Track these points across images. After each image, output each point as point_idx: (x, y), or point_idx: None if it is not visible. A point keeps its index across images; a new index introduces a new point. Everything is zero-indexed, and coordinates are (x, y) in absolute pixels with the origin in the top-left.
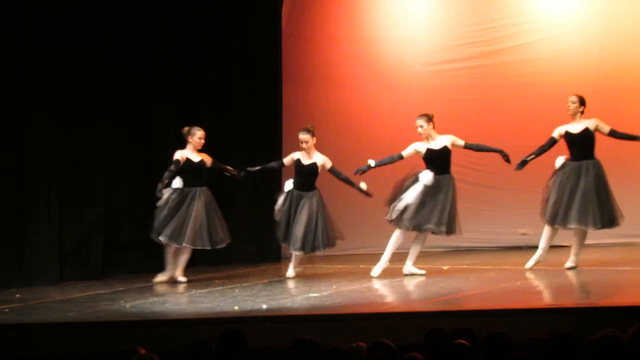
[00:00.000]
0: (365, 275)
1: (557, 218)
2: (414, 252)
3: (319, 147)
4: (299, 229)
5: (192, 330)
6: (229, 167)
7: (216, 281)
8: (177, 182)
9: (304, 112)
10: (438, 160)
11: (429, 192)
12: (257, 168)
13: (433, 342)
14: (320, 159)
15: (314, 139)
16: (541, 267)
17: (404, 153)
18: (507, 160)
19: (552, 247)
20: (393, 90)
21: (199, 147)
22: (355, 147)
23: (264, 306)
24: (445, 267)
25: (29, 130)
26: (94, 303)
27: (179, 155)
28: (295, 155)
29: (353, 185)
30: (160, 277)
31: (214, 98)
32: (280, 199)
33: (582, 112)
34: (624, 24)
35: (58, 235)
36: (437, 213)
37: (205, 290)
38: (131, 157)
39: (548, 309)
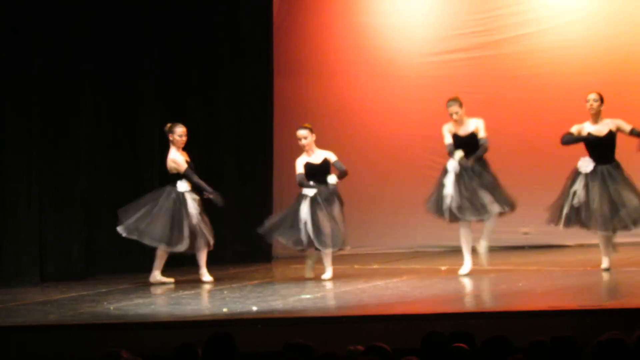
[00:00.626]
0: (362, 276)
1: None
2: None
3: (316, 142)
4: (334, 227)
5: (179, 333)
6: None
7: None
8: (185, 186)
9: (296, 104)
10: (465, 147)
11: (461, 179)
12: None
13: (430, 346)
14: (325, 155)
15: (314, 135)
16: (542, 268)
17: (446, 141)
18: None
19: (554, 247)
20: (389, 82)
21: (181, 146)
22: (350, 140)
23: (254, 308)
24: (443, 268)
25: (8, 130)
26: (76, 305)
27: (173, 157)
28: (301, 160)
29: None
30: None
31: (202, 92)
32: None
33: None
34: (631, 12)
35: (38, 236)
36: (487, 195)
37: (193, 292)
38: (114, 156)
39: (550, 312)
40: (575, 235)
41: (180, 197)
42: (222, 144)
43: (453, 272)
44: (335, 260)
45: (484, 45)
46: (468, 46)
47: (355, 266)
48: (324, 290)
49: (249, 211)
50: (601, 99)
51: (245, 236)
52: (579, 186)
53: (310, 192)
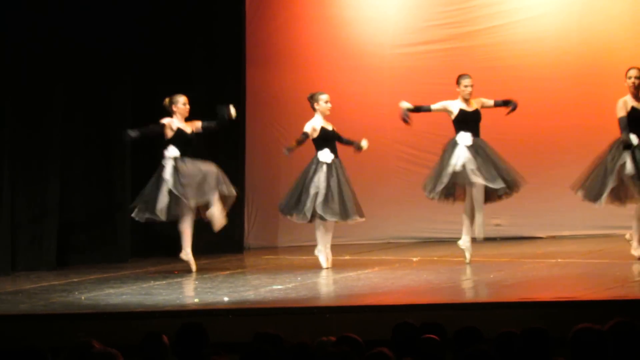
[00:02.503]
0: (333, 267)
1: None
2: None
3: (287, 134)
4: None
5: (150, 323)
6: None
7: (175, 272)
8: (174, 151)
9: (268, 94)
10: (471, 122)
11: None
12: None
13: (401, 337)
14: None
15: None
16: (514, 260)
17: (433, 107)
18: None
19: (525, 239)
20: (361, 73)
21: (186, 115)
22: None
23: (226, 299)
24: (415, 259)
25: None
26: (47, 295)
27: (167, 121)
28: (317, 124)
29: (352, 144)
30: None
31: (174, 80)
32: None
33: None
34: (603, 4)
35: (10, 225)
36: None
37: (164, 282)
38: (86, 143)
39: (521, 303)
40: (547, 227)
41: (163, 163)
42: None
43: (424, 264)
44: (307, 250)
45: (457, 37)
46: (440, 38)
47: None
48: (295, 281)
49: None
50: None
51: None
52: (627, 158)
53: (327, 158)
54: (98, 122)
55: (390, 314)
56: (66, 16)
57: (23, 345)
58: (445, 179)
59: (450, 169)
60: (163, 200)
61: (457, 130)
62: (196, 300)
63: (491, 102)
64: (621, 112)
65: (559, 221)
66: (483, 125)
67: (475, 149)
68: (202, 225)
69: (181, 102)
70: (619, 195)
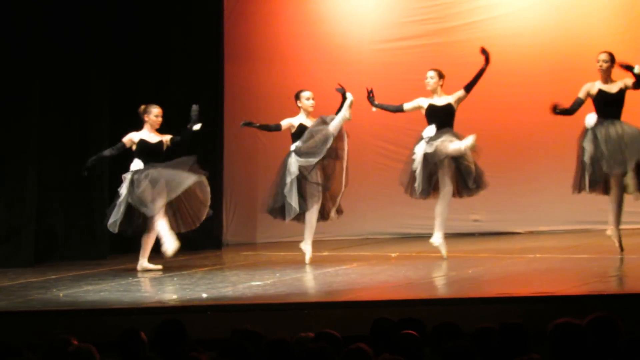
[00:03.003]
0: (311, 263)
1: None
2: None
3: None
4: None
5: (129, 320)
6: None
7: (140, 269)
8: (137, 164)
9: (247, 91)
10: (441, 115)
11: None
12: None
13: (380, 333)
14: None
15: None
16: (492, 256)
17: (406, 105)
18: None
19: (503, 235)
20: (340, 69)
21: (157, 126)
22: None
23: (204, 295)
24: (393, 255)
25: None
26: (26, 292)
27: (128, 138)
28: (295, 120)
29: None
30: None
31: (153, 78)
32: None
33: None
34: (581, 0)
35: None
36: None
37: (143, 279)
38: (64, 138)
39: (499, 298)
40: (525, 223)
41: (123, 177)
42: (173, 131)
43: (403, 259)
44: (286, 247)
45: (434, 33)
46: (418, 34)
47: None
48: (273, 277)
49: None
50: (612, 59)
51: None
52: (586, 143)
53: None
54: (76, 120)
55: (368, 309)
56: (42, 13)
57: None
58: (417, 180)
59: (417, 163)
60: (116, 214)
61: (428, 124)
62: (174, 296)
63: (462, 92)
64: (580, 93)
65: (537, 216)
66: (460, 120)
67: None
68: None
69: (154, 114)
70: (599, 183)
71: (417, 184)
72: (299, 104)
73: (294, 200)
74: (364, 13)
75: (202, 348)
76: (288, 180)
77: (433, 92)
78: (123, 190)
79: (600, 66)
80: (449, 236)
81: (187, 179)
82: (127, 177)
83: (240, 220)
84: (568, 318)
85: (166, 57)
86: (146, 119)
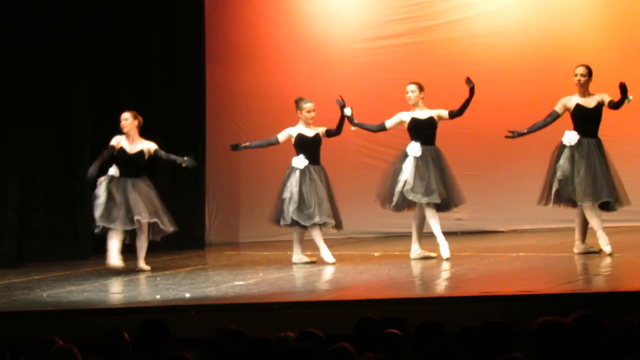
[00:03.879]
0: (293, 262)
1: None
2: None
3: (247, 130)
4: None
5: (112, 320)
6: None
7: (136, 269)
8: (113, 170)
9: (229, 91)
10: (425, 129)
11: (421, 165)
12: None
13: (363, 332)
14: (320, 129)
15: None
16: (475, 254)
17: (388, 123)
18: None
19: (486, 233)
20: (321, 68)
21: (125, 130)
22: (282, 127)
23: (187, 295)
24: (376, 254)
25: None
26: (9, 292)
27: (116, 141)
28: (294, 131)
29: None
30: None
31: (133, 75)
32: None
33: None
34: None
35: None
36: (438, 185)
37: (126, 279)
38: (46, 139)
39: (482, 297)
40: (508, 221)
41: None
42: (154, 131)
43: (386, 258)
44: (269, 246)
45: (416, 32)
46: (400, 32)
47: (288, 252)
48: (256, 277)
49: (182, 198)
50: (589, 73)
51: (178, 223)
52: (563, 160)
53: (300, 164)
54: (58, 120)
55: (351, 309)
56: (22, 13)
57: None
58: (395, 197)
59: (399, 186)
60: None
61: (411, 139)
62: (158, 296)
63: (445, 114)
64: (557, 107)
65: (519, 215)
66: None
67: (425, 160)
68: None
69: (123, 118)
70: (563, 197)
71: (395, 201)
72: (299, 114)
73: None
74: (345, 12)
75: (185, 348)
76: (286, 196)
77: (415, 105)
78: (100, 192)
79: (578, 80)
80: (431, 235)
81: (142, 216)
82: (102, 181)
83: (222, 220)
84: (552, 316)
85: (147, 57)
86: (121, 125)
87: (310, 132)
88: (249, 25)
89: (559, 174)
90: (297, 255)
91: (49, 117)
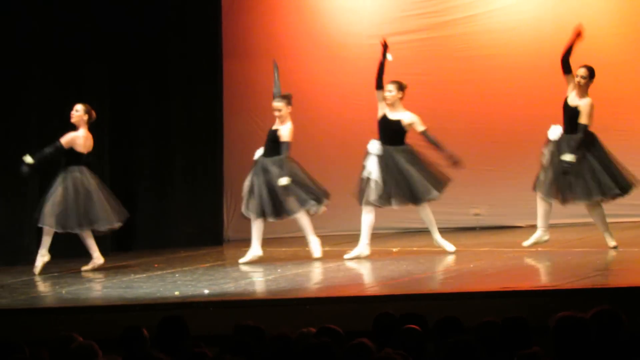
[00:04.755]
0: (312, 258)
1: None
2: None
3: (265, 126)
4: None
5: (131, 316)
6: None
7: (155, 265)
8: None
9: (246, 87)
10: (387, 130)
11: (383, 165)
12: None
13: (382, 327)
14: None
15: (289, 107)
16: (494, 249)
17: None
18: (456, 163)
19: (505, 228)
20: (338, 64)
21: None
22: (298, 123)
23: (206, 291)
24: (394, 250)
25: None
26: (28, 289)
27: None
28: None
29: None
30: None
31: (151, 75)
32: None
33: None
34: None
35: None
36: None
37: (144, 275)
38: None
39: (501, 292)
40: (526, 216)
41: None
42: (172, 127)
43: (404, 254)
44: (287, 242)
45: (433, 27)
46: (416, 28)
47: (307, 248)
48: (275, 272)
49: (200, 194)
50: (590, 76)
51: (196, 219)
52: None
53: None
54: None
55: (370, 304)
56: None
57: (2, 339)
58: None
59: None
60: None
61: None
62: (176, 293)
63: (420, 129)
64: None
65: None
66: (461, 113)
67: (385, 161)
68: (181, 217)
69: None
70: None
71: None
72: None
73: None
74: (362, 8)
75: (204, 344)
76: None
77: (391, 105)
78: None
79: (579, 82)
80: (450, 230)
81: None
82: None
83: (241, 217)
84: (571, 311)
85: (164, 54)
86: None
87: (275, 127)
88: (266, 21)
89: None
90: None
91: (67, 115)
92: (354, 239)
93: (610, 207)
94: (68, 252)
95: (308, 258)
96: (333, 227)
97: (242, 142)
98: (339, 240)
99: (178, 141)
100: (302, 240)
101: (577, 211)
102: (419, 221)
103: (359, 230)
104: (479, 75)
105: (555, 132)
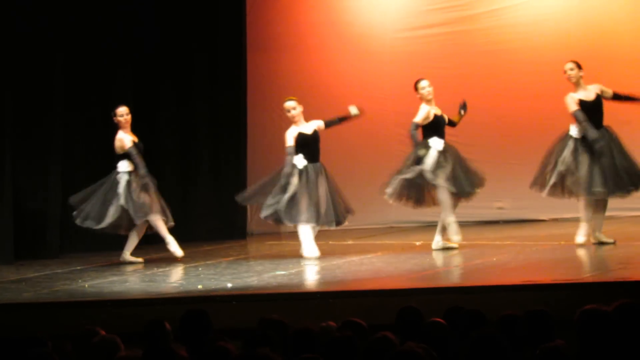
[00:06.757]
0: (336, 252)
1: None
2: None
3: (288, 119)
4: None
5: (154, 310)
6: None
7: (178, 259)
8: (126, 165)
9: (270, 82)
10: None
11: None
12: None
13: (405, 321)
14: (315, 124)
15: (301, 106)
16: (517, 243)
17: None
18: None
19: (528, 222)
20: (362, 57)
21: (126, 125)
22: (323, 116)
23: (229, 285)
24: (417, 243)
25: None
26: (51, 283)
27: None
28: (292, 131)
29: (347, 118)
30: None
31: (176, 70)
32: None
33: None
34: None
35: (12, 213)
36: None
37: (167, 269)
38: (87, 133)
39: (524, 286)
40: (550, 210)
41: (116, 176)
42: (196, 121)
43: (428, 248)
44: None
45: (457, 21)
46: (441, 21)
47: (330, 242)
48: (298, 266)
49: (224, 188)
50: (578, 66)
51: (219, 213)
52: (567, 152)
53: (300, 163)
54: (99, 115)
55: (393, 298)
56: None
57: (26, 333)
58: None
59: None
60: (113, 214)
61: (429, 135)
62: (199, 286)
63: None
64: (572, 107)
65: (561, 203)
66: (483, 107)
67: (445, 155)
68: (205, 211)
69: (119, 114)
70: (559, 188)
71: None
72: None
73: None
74: (386, 1)
75: (227, 337)
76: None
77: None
78: (120, 190)
79: (569, 77)
80: (473, 224)
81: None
82: (125, 177)
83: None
84: (595, 305)
85: (189, 49)
86: (115, 120)
87: (309, 129)
88: (290, 14)
89: (561, 167)
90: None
91: (91, 113)
92: (377, 232)
93: (614, 202)
94: (92, 246)
95: (332, 252)
96: (357, 220)
97: (266, 137)
98: (362, 234)
99: (202, 135)
100: (326, 234)
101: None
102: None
103: (382, 223)
104: (504, 69)
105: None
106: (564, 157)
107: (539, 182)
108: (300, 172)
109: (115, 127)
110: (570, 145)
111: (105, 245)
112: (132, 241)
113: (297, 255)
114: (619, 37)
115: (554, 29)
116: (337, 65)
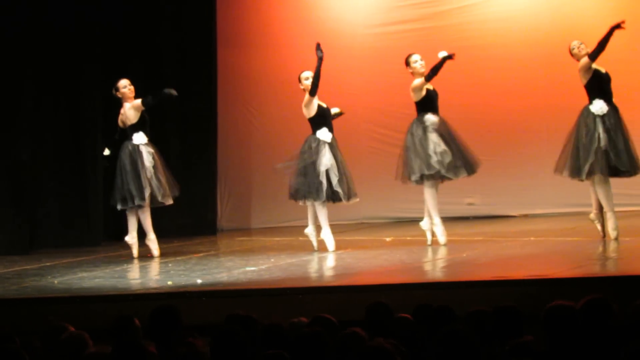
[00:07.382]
0: (306, 248)
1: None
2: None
3: (259, 115)
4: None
5: (124, 306)
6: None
7: (149, 255)
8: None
9: (240, 76)
10: (436, 101)
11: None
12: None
13: (375, 317)
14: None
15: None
16: (487, 239)
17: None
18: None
19: (498, 218)
20: (333, 53)
21: (131, 96)
22: (293, 112)
23: (199, 281)
24: (388, 239)
25: None
26: (20, 279)
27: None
28: (315, 102)
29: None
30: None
31: (145, 65)
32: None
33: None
34: None
35: None
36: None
37: (137, 265)
38: (56, 123)
39: (494, 281)
40: (520, 206)
41: (136, 149)
42: (166, 116)
43: (398, 243)
44: (280, 232)
45: (428, 17)
46: (412, 18)
47: (300, 238)
48: (268, 262)
49: (193, 183)
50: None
51: (189, 208)
52: (600, 130)
53: (327, 137)
54: (68, 106)
55: (363, 294)
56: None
57: None
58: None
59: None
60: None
61: (424, 110)
62: (169, 282)
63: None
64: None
65: (531, 199)
66: (454, 103)
67: (442, 132)
68: (175, 207)
69: (122, 86)
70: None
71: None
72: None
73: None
74: None
75: (197, 334)
76: (322, 170)
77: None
78: (147, 163)
79: (580, 50)
80: (444, 220)
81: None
82: (146, 149)
83: (234, 206)
84: (562, 301)
85: (157, 42)
86: (119, 95)
87: (324, 103)
88: (260, 10)
89: (602, 144)
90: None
91: (60, 105)
92: (348, 229)
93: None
94: (62, 242)
95: (302, 248)
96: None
97: (237, 132)
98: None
99: (172, 131)
100: (296, 230)
101: (569, 200)
102: (413, 211)
103: (353, 219)
104: (474, 65)
105: (602, 106)
106: (598, 134)
107: (574, 167)
108: (330, 145)
109: (118, 103)
110: (600, 124)
111: (74, 242)
112: (134, 223)
113: (267, 251)
114: (588, 33)
115: (524, 24)
116: (307, 61)
